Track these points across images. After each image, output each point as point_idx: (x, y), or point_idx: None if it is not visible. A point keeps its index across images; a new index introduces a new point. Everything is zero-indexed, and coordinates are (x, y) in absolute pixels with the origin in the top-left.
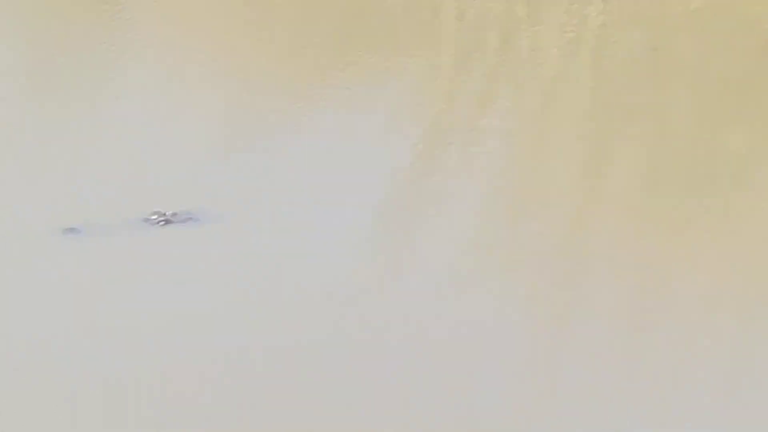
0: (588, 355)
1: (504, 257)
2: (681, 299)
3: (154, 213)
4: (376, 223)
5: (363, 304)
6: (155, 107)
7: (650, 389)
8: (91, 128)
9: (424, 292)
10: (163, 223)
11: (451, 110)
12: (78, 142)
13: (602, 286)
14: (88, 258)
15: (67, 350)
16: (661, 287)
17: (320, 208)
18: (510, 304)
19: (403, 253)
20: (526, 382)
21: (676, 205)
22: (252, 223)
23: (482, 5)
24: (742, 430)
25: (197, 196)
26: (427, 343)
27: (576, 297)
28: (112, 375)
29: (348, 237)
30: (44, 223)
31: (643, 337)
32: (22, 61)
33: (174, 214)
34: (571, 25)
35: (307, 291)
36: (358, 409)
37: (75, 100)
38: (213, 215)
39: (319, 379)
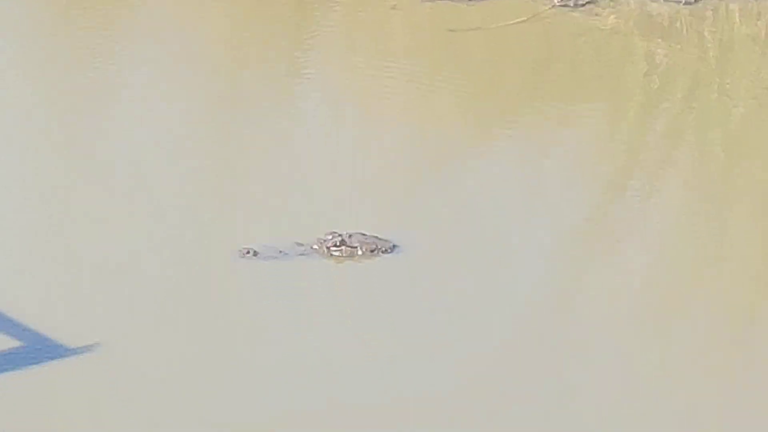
0: None
1: (680, 311)
2: None
3: (329, 233)
4: (549, 270)
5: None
6: (340, 135)
7: None
8: (273, 150)
9: (607, 332)
10: (338, 244)
11: (632, 160)
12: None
13: None
14: (265, 282)
15: (243, 372)
16: None
17: (497, 246)
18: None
19: (586, 289)
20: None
21: None
22: (427, 255)
23: (673, 53)
24: None
25: (376, 223)
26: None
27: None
28: (285, 402)
29: (518, 287)
30: (223, 245)
31: None
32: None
33: (350, 236)
34: (760, 77)
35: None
36: None
37: (258, 123)
38: (396, 243)
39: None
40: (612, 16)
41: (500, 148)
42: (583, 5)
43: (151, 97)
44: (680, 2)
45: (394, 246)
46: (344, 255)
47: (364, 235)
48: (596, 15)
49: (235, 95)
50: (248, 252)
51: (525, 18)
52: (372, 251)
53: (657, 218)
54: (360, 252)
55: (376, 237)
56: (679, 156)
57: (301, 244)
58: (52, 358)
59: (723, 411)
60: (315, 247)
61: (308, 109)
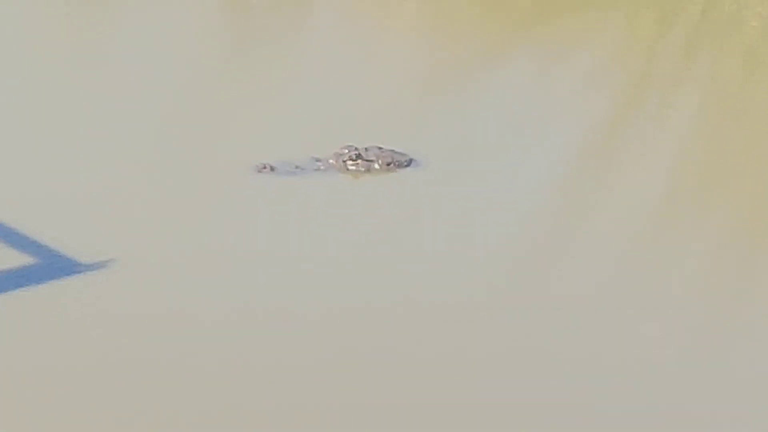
0: None
1: (700, 208)
2: None
3: (345, 147)
4: (564, 181)
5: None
6: (355, 49)
7: None
8: (289, 66)
9: (619, 243)
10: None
11: (648, 71)
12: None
13: None
14: (282, 197)
15: (258, 287)
16: None
17: (513, 158)
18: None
19: (599, 201)
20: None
21: None
22: (444, 169)
23: None
24: None
25: (392, 136)
26: (618, 291)
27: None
28: (301, 314)
29: (542, 186)
30: (239, 161)
31: None
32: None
33: (366, 150)
34: None
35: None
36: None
37: (274, 38)
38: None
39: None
40: None
41: (515, 61)
42: None
43: (166, 14)
44: None
45: (410, 159)
46: (361, 169)
47: (380, 148)
48: None
49: (250, 12)
50: (265, 167)
51: None
52: (389, 165)
53: (673, 129)
54: (377, 166)
55: (393, 150)
56: (695, 67)
57: (318, 159)
58: (65, 275)
59: (730, 322)
60: (331, 161)
61: (323, 24)
